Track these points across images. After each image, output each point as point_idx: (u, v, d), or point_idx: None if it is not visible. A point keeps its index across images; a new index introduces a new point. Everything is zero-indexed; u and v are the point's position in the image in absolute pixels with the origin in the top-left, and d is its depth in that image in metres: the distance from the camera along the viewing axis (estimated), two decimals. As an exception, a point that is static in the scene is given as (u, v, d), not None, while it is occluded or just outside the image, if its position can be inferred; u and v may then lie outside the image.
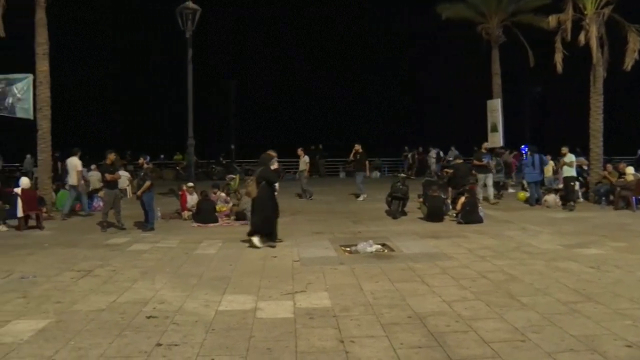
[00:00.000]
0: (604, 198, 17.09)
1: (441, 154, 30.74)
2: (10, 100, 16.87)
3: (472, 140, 28.72)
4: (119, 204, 14.29)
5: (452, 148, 30.71)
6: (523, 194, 18.60)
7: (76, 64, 35.48)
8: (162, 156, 34.43)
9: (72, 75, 33.67)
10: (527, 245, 10.89)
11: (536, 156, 17.74)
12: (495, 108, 23.17)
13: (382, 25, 41.30)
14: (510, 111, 25.61)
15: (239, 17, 39.88)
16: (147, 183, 13.78)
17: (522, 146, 28.79)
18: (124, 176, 20.40)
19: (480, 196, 17.21)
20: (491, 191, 18.07)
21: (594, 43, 18.03)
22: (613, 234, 12.02)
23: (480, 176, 18.12)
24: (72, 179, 16.31)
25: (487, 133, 23.12)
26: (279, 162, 12.17)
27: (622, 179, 17.02)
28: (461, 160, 18.09)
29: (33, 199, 14.51)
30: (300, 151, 20.24)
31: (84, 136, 33.84)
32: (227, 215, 15.30)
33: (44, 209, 15.51)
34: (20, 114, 17.32)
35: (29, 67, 17.68)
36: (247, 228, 13.70)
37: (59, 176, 22.16)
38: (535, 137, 32.00)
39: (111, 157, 14.47)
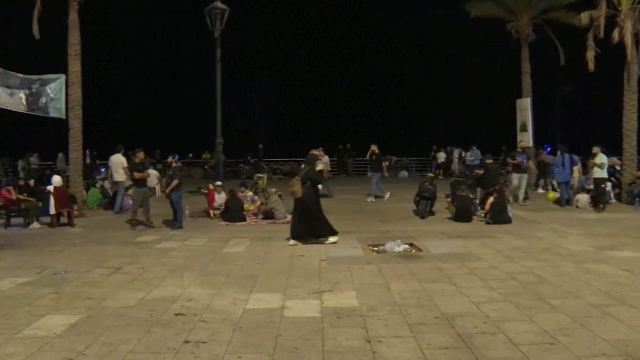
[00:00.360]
0: (637, 199, 16.76)
1: (463, 154, 30.49)
2: (44, 100, 17.19)
3: (500, 140, 28.48)
4: (148, 203, 14.45)
5: (474, 148, 30.43)
6: (553, 195, 18.33)
7: (106, 64, 35.98)
8: (190, 155, 34.75)
9: (102, 75, 34.17)
10: (557, 247, 10.74)
11: (566, 156, 17.45)
12: (525, 107, 22.89)
13: (407, 24, 40.99)
14: (540, 110, 25.24)
15: (266, 15, 39.95)
16: (176, 182, 13.91)
17: (545, 146, 28.40)
18: (153, 175, 20.67)
19: (521, 196, 16.94)
20: (522, 192, 17.67)
21: (628, 40, 17.66)
22: (647, 236, 11.79)
23: (515, 176, 17.63)
24: (119, 176, 16.64)
25: (517, 133, 22.87)
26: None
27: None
28: (491, 161, 17.85)
29: (65, 197, 14.77)
30: (320, 151, 20.22)
31: (113, 135, 34.38)
32: (255, 214, 15.38)
33: (76, 207, 15.78)
34: (53, 114, 17.65)
35: (61, 67, 18.03)
36: (275, 227, 13.89)
37: (89, 174, 22.55)
38: (565, 136, 31.51)
39: (140, 155, 14.64)
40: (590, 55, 18.63)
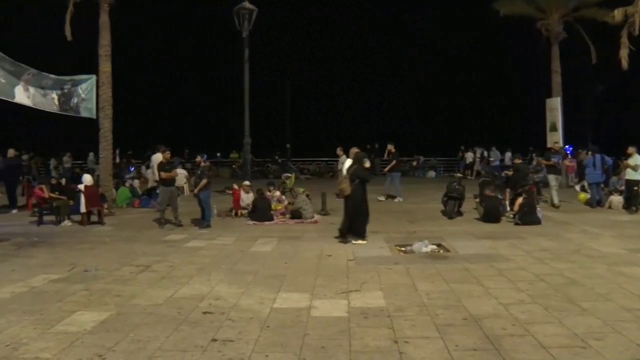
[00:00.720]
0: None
1: (485, 153, 30.18)
2: (75, 100, 17.44)
3: (529, 140, 28.12)
4: (175, 202, 14.59)
5: (493, 148, 30.16)
6: (584, 196, 18.01)
7: (135, 64, 36.46)
8: (218, 154, 35.00)
9: (132, 75, 34.64)
10: (588, 248, 10.58)
11: (597, 156, 17.14)
12: (555, 107, 22.62)
13: (438, 22, 40.79)
14: (570, 110, 24.88)
15: (294, 15, 40.12)
16: (204, 181, 14.02)
17: (567, 146, 27.97)
18: (181, 174, 20.87)
19: (555, 199, 16.63)
20: (555, 194, 17.15)
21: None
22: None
23: (552, 177, 17.14)
24: (157, 175, 16.92)
25: (546, 132, 22.59)
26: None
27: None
28: (520, 160, 17.60)
29: (95, 196, 14.99)
30: (339, 150, 20.19)
31: (143, 135, 34.83)
32: (283, 214, 15.43)
33: (105, 205, 16.00)
34: (84, 114, 17.91)
35: (91, 68, 18.32)
36: (302, 226, 13.92)
37: (119, 173, 22.86)
38: (596, 136, 31.03)
39: (166, 155, 14.79)
40: (624, 52, 18.30)
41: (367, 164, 11.75)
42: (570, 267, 8.93)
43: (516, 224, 13.62)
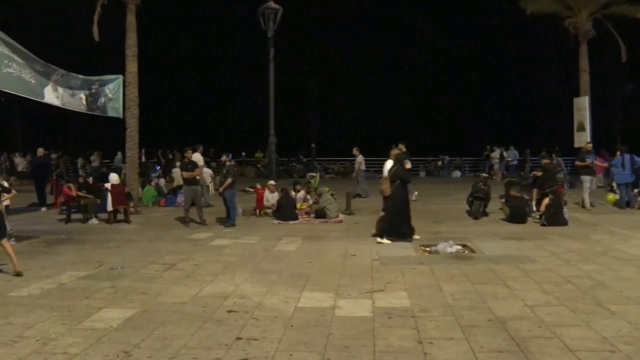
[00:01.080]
0: None
1: (504, 153, 29.87)
2: (102, 100, 17.71)
3: (555, 140, 27.73)
4: (199, 201, 14.69)
5: (511, 147, 29.80)
6: (612, 196, 17.69)
7: (161, 64, 36.77)
8: (243, 154, 35.16)
9: (159, 75, 34.96)
10: (616, 250, 10.40)
11: (626, 156, 16.81)
12: (583, 106, 22.29)
13: (457, 22, 40.48)
14: (599, 109, 24.50)
15: (319, 15, 40.10)
16: (229, 180, 14.11)
17: None
18: (206, 173, 21.01)
19: (587, 202, 16.34)
20: (587, 196, 16.67)
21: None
22: None
23: (585, 178, 16.69)
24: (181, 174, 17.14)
25: (573, 132, 22.30)
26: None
27: None
28: (548, 160, 17.32)
29: (122, 194, 15.16)
30: (355, 151, 20.13)
31: (168, 134, 35.17)
32: (307, 213, 15.46)
33: (131, 204, 16.18)
34: (111, 113, 18.18)
35: (118, 68, 18.56)
36: (327, 226, 13.94)
37: (144, 172, 23.10)
38: (626, 136, 30.51)
39: (189, 155, 14.91)
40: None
41: (408, 165, 11.76)
42: (598, 269, 8.80)
43: (542, 224, 13.47)
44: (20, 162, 29.82)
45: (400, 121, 40.54)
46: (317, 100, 35.66)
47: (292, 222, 14.51)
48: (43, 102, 15.64)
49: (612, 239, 11.69)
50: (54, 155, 28.78)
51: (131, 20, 18.50)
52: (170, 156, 31.07)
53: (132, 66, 18.50)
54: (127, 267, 9.36)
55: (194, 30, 40.31)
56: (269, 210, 15.66)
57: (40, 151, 20.44)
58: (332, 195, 15.56)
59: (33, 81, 14.75)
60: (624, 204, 16.57)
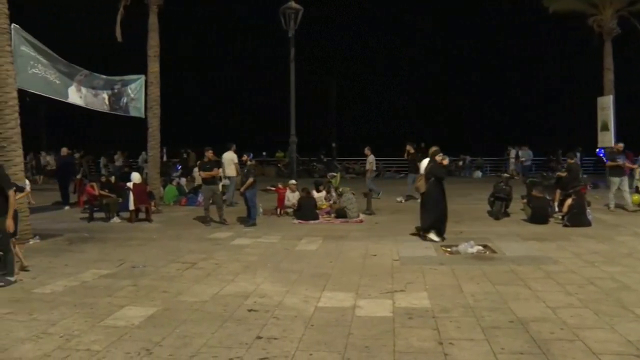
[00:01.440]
0: None
1: (520, 153, 29.57)
2: (124, 100, 17.90)
3: (577, 140, 27.44)
4: (219, 200, 14.75)
5: (525, 147, 29.48)
6: (637, 197, 17.42)
7: (184, 64, 37.05)
8: (264, 153, 35.25)
9: (178, 73, 35.20)
10: (641, 252, 10.26)
11: (652, 156, 16.57)
12: (607, 105, 21.98)
13: (484, 20, 40.18)
14: (623, 109, 24.13)
15: (337, 14, 40.13)
16: (250, 180, 14.15)
17: (598, 149, 27.06)
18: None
19: (611, 204, 16.05)
20: (628, 196, 16.22)
21: None
22: None
23: (615, 180, 16.19)
24: (230, 171, 17.27)
25: (596, 132, 22.02)
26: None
27: None
28: (573, 161, 17.08)
29: (143, 193, 15.29)
30: (367, 150, 20.07)
31: (192, 134, 35.40)
32: (328, 213, 15.46)
33: (153, 203, 16.31)
34: (133, 113, 18.37)
35: (140, 68, 18.73)
36: (347, 226, 13.92)
37: (166, 171, 23.27)
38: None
39: (209, 154, 14.98)
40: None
41: (446, 161, 11.78)
42: (622, 271, 8.67)
43: (565, 225, 13.32)
44: (51, 160, 30.28)
45: (421, 121, 40.41)
46: (336, 99, 35.63)
47: (312, 221, 14.52)
48: (67, 102, 15.84)
49: (637, 240, 11.51)
50: (76, 155, 29.12)
51: (153, 20, 18.65)
52: (185, 155, 31.29)
53: (153, 66, 18.65)
54: (149, 265, 9.45)
55: (211, 30, 40.52)
56: (289, 210, 15.69)
57: (64, 150, 20.71)
58: (353, 194, 15.54)
59: (57, 81, 14.96)
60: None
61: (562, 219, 13.71)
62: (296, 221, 14.62)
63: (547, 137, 33.28)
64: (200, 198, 17.59)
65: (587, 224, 13.25)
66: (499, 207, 14.93)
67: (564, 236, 12.01)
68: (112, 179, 16.86)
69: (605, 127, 21.80)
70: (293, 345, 5.61)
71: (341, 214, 14.91)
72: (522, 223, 14.06)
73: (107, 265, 9.49)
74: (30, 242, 11.58)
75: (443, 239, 11.49)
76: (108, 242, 11.91)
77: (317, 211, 15.19)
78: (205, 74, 41.53)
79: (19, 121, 11.95)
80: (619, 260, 9.55)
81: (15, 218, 8.61)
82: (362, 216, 15.12)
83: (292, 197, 15.89)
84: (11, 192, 8.35)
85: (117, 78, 17.78)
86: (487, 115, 42.35)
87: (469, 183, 26.05)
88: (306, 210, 14.83)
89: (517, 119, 40.02)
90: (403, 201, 18.82)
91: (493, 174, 30.76)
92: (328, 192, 17.12)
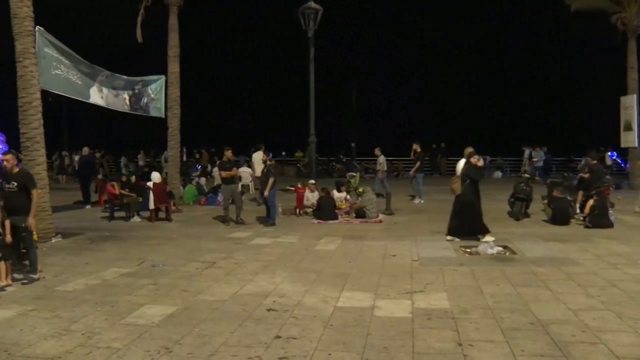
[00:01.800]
0: None
1: (533, 153, 29.28)
2: (145, 100, 18.06)
3: (599, 140, 27.11)
4: (239, 200, 14.80)
5: (537, 148, 29.16)
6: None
7: (205, 66, 37.28)
8: (283, 153, 35.34)
9: (203, 76, 35.42)
10: (665, 254, 10.09)
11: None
12: (630, 105, 21.73)
13: (502, 17, 39.91)
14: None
15: (359, 14, 40.11)
16: (271, 180, 14.17)
17: (611, 152, 26.71)
18: (247, 172, 21.20)
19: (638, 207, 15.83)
20: None
21: None
22: None
23: None
24: (259, 171, 17.36)
25: (619, 132, 21.75)
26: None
27: None
28: (596, 161, 16.84)
29: (163, 193, 15.41)
30: (377, 151, 20.01)
31: (214, 134, 35.59)
32: (347, 213, 15.44)
33: (173, 202, 16.42)
34: (153, 113, 18.53)
35: (160, 68, 18.89)
36: (367, 226, 13.91)
37: (185, 171, 23.42)
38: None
39: (228, 154, 15.05)
40: None
41: (481, 162, 11.78)
42: (645, 273, 8.56)
43: (586, 226, 13.16)
44: (67, 160, 30.68)
45: (442, 120, 40.24)
46: (356, 100, 35.57)
47: (331, 221, 14.52)
48: (88, 102, 16.01)
49: (661, 242, 11.34)
50: (97, 154, 29.43)
51: (173, 21, 18.80)
52: (197, 156, 31.44)
53: (173, 67, 18.79)
54: (168, 264, 9.52)
55: (225, 29, 40.70)
56: (309, 210, 15.70)
57: (86, 150, 20.94)
58: (374, 194, 15.49)
59: (79, 82, 15.12)
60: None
61: (584, 220, 13.56)
62: (315, 221, 14.63)
63: (568, 137, 32.91)
64: (219, 198, 17.67)
65: (609, 225, 13.09)
66: (519, 207, 14.82)
67: (585, 237, 11.87)
68: (133, 178, 17.01)
69: (628, 127, 21.56)
70: (312, 345, 5.62)
71: (360, 213, 14.88)
72: (542, 224, 13.93)
73: (128, 264, 9.58)
74: (53, 241, 11.76)
75: (477, 238, 11.43)
76: (128, 241, 12.02)
77: (336, 211, 15.18)
78: (216, 73, 41.72)
79: (42, 121, 12.12)
80: (642, 262, 9.40)
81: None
82: (381, 216, 15.09)
83: (311, 197, 15.91)
84: (35, 192, 8.49)
85: (138, 78, 17.94)
86: (508, 114, 42.03)
87: (488, 183, 25.80)
88: (325, 210, 14.83)
89: (537, 119, 39.70)
90: (421, 202, 18.74)
91: (513, 174, 30.54)
92: (348, 192, 17.10)
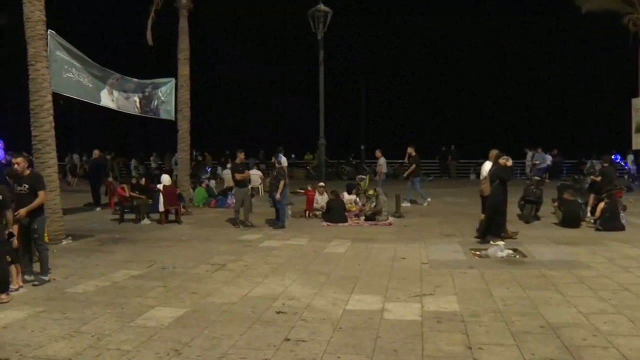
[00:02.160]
0: None
1: (534, 156, 29.12)
2: (155, 102, 18.13)
3: (611, 142, 26.94)
4: (249, 202, 14.82)
5: (539, 150, 29.03)
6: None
7: (213, 67, 37.36)
8: (293, 156, 35.34)
9: (212, 78, 35.51)
10: (677, 257, 10.01)
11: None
12: (642, 107, 21.58)
13: (512, 20, 39.66)
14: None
15: (369, 16, 40.02)
16: (282, 183, 14.16)
17: (614, 155, 26.51)
18: (256, 175, 21.23)
19: None
20: None
21: None
22: None
23: None
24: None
25: (630, 134, 21.61)
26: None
27: None
28: (607, 164, 16.72)
29: (173, 195, 15.46)
30: (378, 153, 19.95)
31: (225, 136, 35.68)
32: (357, 215, 15.42)
33: (183, 205, 16.47)
34: (163, 116, 18.60)
35: (170, 70, 18.97)
36: (376, 228, 13.87)
37: (195, 174, 23.49)
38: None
39: (241, 156, 15.07)
40: None
41: (510, 162, 11.87)
42: (657, 277, 8.49)
43: (597, 229, 13.07)
44: (77, 161, 30.87)
45: (451, 122, 40.10)
46: (366, 102, 35.57)
47: (341, 224, 14.51)
48: (99, 105, 16.09)
49: (673, 245, 11.25)
50: (107, 157, 29.58)
51: (183, 24, 18.89)
52: (200, 158, 31.50)
53: (183, 69, 18.87)
54: (178, 266, 9.54)
55: (235, 29, 40.76)
56: (318, 212, 15.70)
57: (96, 152, 21.04)
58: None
59: (90, 85, 15.18)
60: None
61: (595, 222, 13.47)
62: (325, 223, 14.63)
63: (579, 140, 32.71)
64: (229, 200, 17.72)
65: (621, 228, 12.99)
66: (529, 210, 14.75)
67: (596, 240, 11.79)
68: (143, 180, 17.08)
69: (639, 129, 21.39)
70: (321, 347, 5.61)
71: (370, 216, 14.86)
72: (553, 226, 13.86)
73: (137, 266, 9.62)
74: (63, 243, 11.83)
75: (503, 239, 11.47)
76: (138, 243, 12.07)
77: (346, 214, 15.17)
78: (227, 75, 41.78)
79: (53, 124, 12.21)
80: (654, 265, 9.33)
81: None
82: (390, 219, 15.06)
83: (320, 200, 15.91)
84: (41, 193, 8.54)
85: (148, 81, 18.01)
86: (517, 117, 41.79)
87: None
88: (335, 213, 14.83)
89: (548, 122, 39.46)
90: (429, 200, 18.66)
91: (523, 177, 30.40)
92: (357, 194, 17.07)
